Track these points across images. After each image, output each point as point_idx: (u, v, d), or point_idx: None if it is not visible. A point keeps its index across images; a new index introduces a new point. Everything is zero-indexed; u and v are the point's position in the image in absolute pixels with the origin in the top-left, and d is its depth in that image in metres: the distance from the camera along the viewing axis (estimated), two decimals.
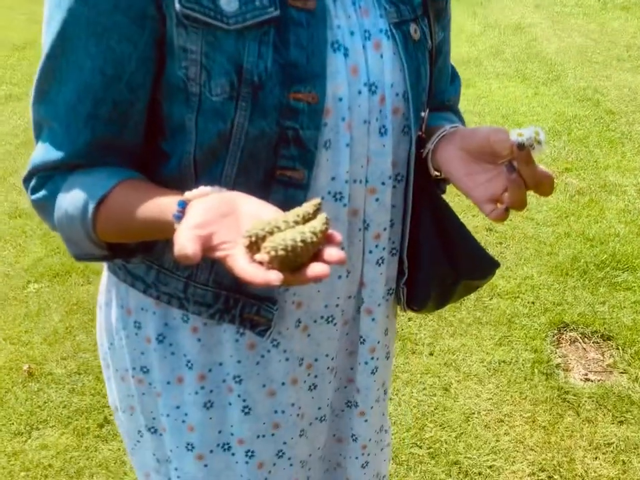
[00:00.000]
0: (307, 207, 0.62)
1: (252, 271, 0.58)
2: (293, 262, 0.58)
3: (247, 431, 0.99)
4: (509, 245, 2.95)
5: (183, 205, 0.69)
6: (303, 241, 0.57)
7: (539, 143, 0.77)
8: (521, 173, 0.77)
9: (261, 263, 0.58)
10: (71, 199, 0.78)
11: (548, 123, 4.04)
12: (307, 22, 0.76)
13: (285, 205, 0.70)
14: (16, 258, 2.94)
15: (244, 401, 0.97)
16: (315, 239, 0.58)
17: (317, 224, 0.59)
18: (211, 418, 0.98)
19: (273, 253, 0.57)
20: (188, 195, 0.69)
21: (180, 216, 0.68)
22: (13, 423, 2.10)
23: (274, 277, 0.57)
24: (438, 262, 0.99)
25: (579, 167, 3.53)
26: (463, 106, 3.44)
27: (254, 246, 0.59)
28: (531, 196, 0.80)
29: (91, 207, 0.76)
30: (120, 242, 0.84)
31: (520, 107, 4.28)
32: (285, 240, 0.57)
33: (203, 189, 0.70)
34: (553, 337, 2.44)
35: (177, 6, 0.72)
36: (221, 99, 0.76)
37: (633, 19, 5.96)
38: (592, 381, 2.25)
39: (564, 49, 5.31)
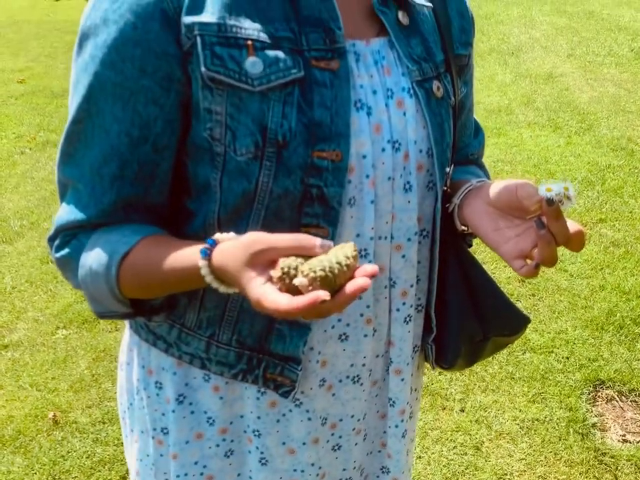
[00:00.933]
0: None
1: (288, 300, 0.59)
2: (332, 284, 0.59)
3: None
4: (542, 297, 2.88)
5: (213, 243, 0.69)
6: (339, 263, 0.59)
7: (569, 198, 0.74)
8: (550, 229, 0.75)
9: (298, 292, 0.59)
10: (95, 256, 0.78)
11: (581, 172, 4.00)
12: (330, 82, 0.76)
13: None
14: (46, 303, 2.95)
15: (262, 453, 0.95)
16: (349, 262, 0.60)
17: (347, 249, 0.61)
18: (230, 464, 0.97)
19: (312, 274, 0.58)
20: (218, 235, 0.70)
21: (207, 252, 0.69)
22: (35, 473, 2.08)
23: (322, 293, 0.58)
24: (466, 318, 0.96)
25: (613, 218, 3.47)
26: (494, 154, 3.45)
27: (286, 277, 0.60)
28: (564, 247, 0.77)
29: (115, 263, 0.77)
30: (143, 298, 0.83)
31: (552, 157, 4.24)
32: (322, 262, 0.59)
33: (232, 234, 0.71)
34: (589, 394, 2.36)
35: (203, 69, 0.73)
36: (245, 158, 0.76)
37: None
38: (630, 442, 2.16)
39: (596, 98, 5.28)
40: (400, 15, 0.84)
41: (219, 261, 0.68)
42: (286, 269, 0.60)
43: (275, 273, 0.61)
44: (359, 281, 0.60)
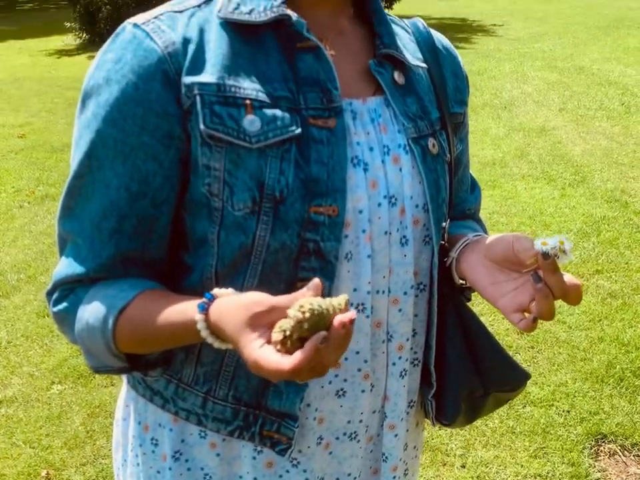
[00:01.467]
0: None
1: (290, 359, 0.60)
2: (324, 325, 0.61)
3: None
4: (541, 349, 2.87)
5: (211, 297, 0.70)
6: (332, 305, 0.61)
7: (564, 252, 0.75)
8: (547, 283, 0.76)
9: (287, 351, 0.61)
10: (92, 310, 0.79)
11: (576, 224, 4.03)
12: (327, 139, 0.78)
13: None
14: (42, 358, 2.93)
15: None
16: (341, 307, 0.62)
17: (340, 298, 0.63)
18: None
19: (302, 313, 0.60)
20: (216, 290, 0.71)
21: (205, 307, 0.69)
22: None
23: (322, 333, 0.59)
24: (466, 373, 0.96)
25: (610, 269, 3.48)
26: (490, 206, 3.50)
27: (287, 340, 0.61)
28: None
29: (112, 317, 0.77)
30: (139, 353, 0.83)
31: (547, 208, 4.28)
32: (312, 304, 0.60)
33: (230, 289, 0.71)
34: (591, 448, 2.32)
35: (202, 127, 0.74)
36: (242, 213, 0.77)
37: None
38: None
39: (589, 151, 5.36)
40: (396, 75, 0.87)
41: (217, 317, 0.68)
42: (288, 332, 0.61)
43: (276, 335, 0.61)
44: (347, 314, 0.61)
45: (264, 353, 0.61)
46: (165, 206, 0.80)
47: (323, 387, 0.87)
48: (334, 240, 0.79)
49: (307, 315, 0.60)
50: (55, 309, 0.82)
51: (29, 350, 2.99)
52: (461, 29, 12.31)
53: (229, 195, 0.76)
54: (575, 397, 2.57)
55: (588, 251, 3.67)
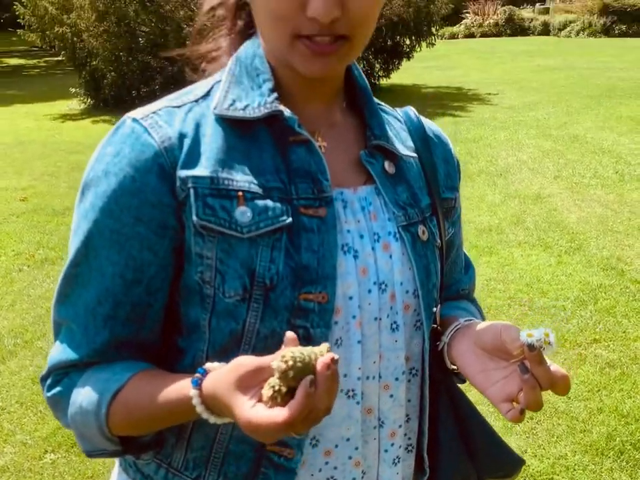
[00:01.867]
0: None
1: (283, 411, 0.62)
2: (308, 373, 0.63)
3: None
4: (540, 420, 2.85)
5: (203, 372, 0.72)
6: (310, 355, 0.64)
7: (550, 343, 0.77)
8: (534, 374, 0.77)
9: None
10: (86, 394, 0.80)
11: (573, 292, 4.05)
12: (317, 228, 0.81)
13: None
14: (35, 426, 2.90)
15: None
16: (323, 353, 0.64)
17: (322, 347, 0.66)
18: None
19: (287, 362, 0.62)
20: (208, 365, 0.73)
21: (198, 382, 0.71)
22: None
23: (309, 377, 0.62)
24: (459, 460, 0.96)
25: (608, 338, 3.48)
26: (487, 273, 3.51)
27: (277, 395, 0.63)
28: (561, 367, 0.78)
29: (105, 401, 0.78)
30: (133, 435, 0.84)
31: (544, 276, 4.30)
32: (293, 352, 0.63)
33: (222, 363, 0.73)
34: None
35: (195, 218, 0.77)
36: (233, 300, 0.79)
37: None
38: None
39: (584, 218, 5.43)
40: (386, 164, 0.90)
41: (209, 389, 0.70)
42: (276, 386, 0.62)
43: (266, 392, 0.63)
44: (327, 355, 0.64)
45: (256, 412, 0.63)
46: (159, 293, 0.82)
47: (312, 474, 0.87)
48: (324, 326, 0.81)
49: (290, 363, 0.62)
50: (49, 394, 0.84)
51: (23, 417, 2.96)
52: (456, 98, 12.59)
53: (220, 283, 0.79)
54: (574, 470, 2.53)
55: (585, 320, 3.68)
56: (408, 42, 13.44)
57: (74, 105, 13.29)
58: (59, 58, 15.57)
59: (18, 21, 13.13)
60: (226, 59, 0.90)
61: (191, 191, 0.78)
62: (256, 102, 0.82)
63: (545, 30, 31.15)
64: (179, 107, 0.84)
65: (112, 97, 12.66)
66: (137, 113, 0.83)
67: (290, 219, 0.79)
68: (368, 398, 0.87)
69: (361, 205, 0.87)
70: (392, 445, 0.92)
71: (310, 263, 0.79)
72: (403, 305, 0.88)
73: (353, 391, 0.85)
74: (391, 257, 0.86)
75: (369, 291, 0.84)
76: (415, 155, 0.95)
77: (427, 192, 0.94)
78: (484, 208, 5.79)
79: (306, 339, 0.80)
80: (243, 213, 0.78)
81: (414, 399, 0.94)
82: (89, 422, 0.79)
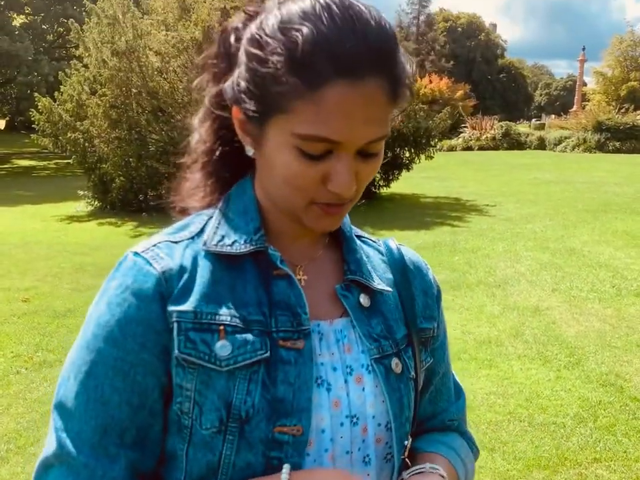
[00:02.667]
0: None
1: None
2: None
3: None
4: None
5: None
6: None
7: None
8: None
9: None
10: None
11: (572, 408, 4.02)
12: (295, 360, 0.85)
13: None
14: None
15: None
16: None
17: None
18: None
19: None
20: None
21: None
22: None
23: None
24: None
25: (608, 458, 3.44)
26: (486, 387, 3.52)
27: None
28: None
29: None
30: None
31: (543, 391, 4.29)
32: None
33: None
34: None
35: (176, 352, 0.82)
36: (209, 432, 0.82)
37: None
38: None
39: (583, 332, 5.45)
40: (362, 297, 0.94)
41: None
42: None
43: None
44: None
45: None
46: (159, 415, 0.85)
47: None
48: (297, 457, 0.83)
49: None
50: None
51: None
52: (454, 208, 12.88)
53: (197, 414, 0.82)
54: None
55: (585, 437, 3.65)
56: (407, 154, 13.91)
57: (81, 206, 13.59)
58: (69, 161, 16.05)
59: (32, 125, 13.62)
60: (201, 195, 0.98)
61: (175, 324, 0.82)
62: (243, 239, 0.89)
63: (541, 144, 32.19)
64: (177, 242, 0.90)
65: (119, 201, 12.98)
66: (138, 247, 0.89)
67: (268, 353, 0.84)
68: None
69: (336, 338, 0.91)
70: None
71: (286, 396, 0.83)
72: (375, 438, 0.90)
73: None
74: (363, 389, 0.89)
75: (341, 424, 0.87)
76: (390, 289, 0.98)
77: (404, 323, 0.97)
78: (483, 319, 5.83)
79: (279, 470, 0.82)
80: (222, 347, 0.82)
81: None
82: None
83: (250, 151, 0.88)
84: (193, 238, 0.91)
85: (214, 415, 0.82)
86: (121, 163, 12.44)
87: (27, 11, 35.36)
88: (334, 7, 0.77)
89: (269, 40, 0.79)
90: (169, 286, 0.84)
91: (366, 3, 0.80)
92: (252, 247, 0.88)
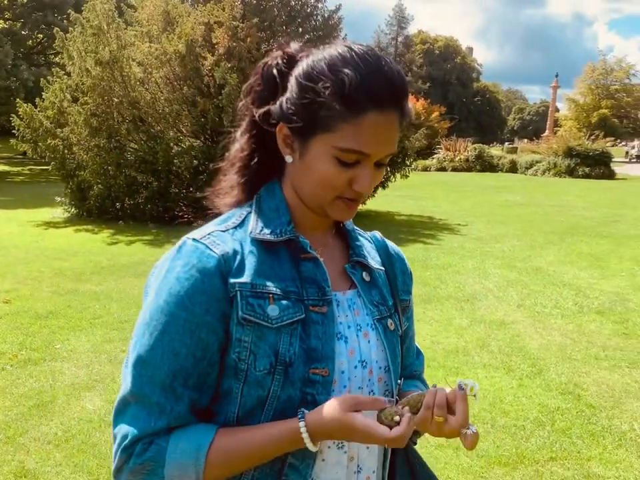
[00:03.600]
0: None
1: (395, 430, 1.02)
2: (416, 409, 1.06)
3: None
4: None
5: (302, 414, 1.04)
6: (413, 398, 1.08)
7: (474, 396, 1.09)
8: (455, 409, 1.07)
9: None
10: (182, 451, 1.02)
11: (532, 413, 4.29)
12: (321, 321, 1.12)
13: (305, 451, 1.05)
14: None
15: None
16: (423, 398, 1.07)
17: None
18: None
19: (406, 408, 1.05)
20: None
21: (303, 416, 1.03)
22: None
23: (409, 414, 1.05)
24: None
25: (563, 457, 3.70)
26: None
27: (390, 418, 1.03)
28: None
29: (203, 452, 1.02)
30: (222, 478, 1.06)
31: (506, 397, 4.56)
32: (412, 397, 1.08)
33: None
34: None
35: (240, 313, 1.06)
36: (262, 373, 1.07)
37: (607, 323, 6.50)
38: None
39: (545, 345, 5.75)
40: (364, 274, 1.24)
41: (313, 419, 1.02)
42: (389, 416, 1.02)
43: (386, 415, 1.03)
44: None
45: (372, 424, 1.00)
46: (216, 365, 1.08)
47: None
48: (325, 394, 1.09)
49: (405, 401, 1.09)
50: (140, 460, 1.02)
51: None
52: (427, 226, 13.23)
53: (252, 360, 1.07)
54: None
55: (543, 439, 3.91)
56: (380, 179, 14.21)
57: (58, 213, 13.63)
58: (44, 167, 16.01)
59: (12, 131, 13.66)
60: (237, 193, 1.23)
61: (237, 293, 1.07)
62: (278, 229, 1.15)
63: (513, 168, 32.86)
64: (224, 231, 1.14)
65: (96, 208, 13.07)
66: (195, 234, 1.13)
67: (303, 315, 1.10)
68: (351, 448, 1.15)
69: (348, 304, 1.19)
70: None
71: (316, 347, 1.09)
72: (378, 378, 1.18)
73: (341, 443, 1.13)
74: (369, 341, 1.18)
75: (355, 367, 1.14)
76: (382, 268, 1.29)
77: (390, 295, 1.27)
78: (452, 330, 6.10)
79: (312, 404, 1.07)
80: (272, 309, 1.08)
81: (381, 451, 1.23)
82: (188, 473, 1.01)
83: (289, 159, 1.13)
84: (236, 228, 1.15)
85: (266, 360, 1.06)
86: (99, 170, 12.55)
87: (6, 16, 35.23)
88: (367, 57, 1.05)
89: (321, 77, 1.05)
90: (227, 265, 1.08)
91: (386, 56, 1.08)
92: (286, 236, 1.14)
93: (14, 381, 4.61)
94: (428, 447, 3.64)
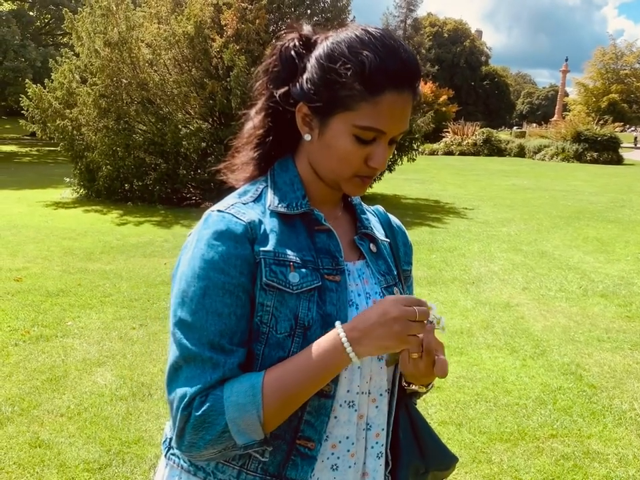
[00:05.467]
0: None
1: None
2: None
3: None
4: None
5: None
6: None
7: (443, 329, 1.16)
8: (424, 340, 1.13)
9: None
10: (238, 394, 1.08)
11: (535, 392, 4.37)
12: (335, 288, 1.19)
13: (319, 409, 1.12)
14: None
15: None
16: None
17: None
18: None
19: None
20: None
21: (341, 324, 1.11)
22: None
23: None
24: (412, 456, 1.32)
25: (564, 434, 3.78)
26: (457, 371, 3.94)
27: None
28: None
29: (258, 387, 1.08)
30: (280, 418, 1.11)
31: (509, 376, 4.64)
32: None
33: None
34: None
35: (264, 279, 1.14)
36: (283, 336, 1.14)
37: (611, 306, 6.57)
38: None
39: (549, 327, 5.82)
40: (371, 245, 1.31)
41: (351, 324, 1.09)
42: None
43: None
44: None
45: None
46: (250, 322, 1.14)
47: (323, 461, 1.19)
48: None
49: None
50: (199, 412, 1.06)
51: (21, 477, 3.16)
52: (434, 210, 13.27)
53: (274, 323, 1.14)
54: None
55: (545, 417, 3.99)
56: (390, 156, 14.23)
57: (67, 193, 13.73)
58: (51, 148, 16.07)
59: (22, 112, 13.75)
60: (251, 169, 1.29)
61: (262, 260, 1.14)
62: (294, 202, 1.22)
63: (521, 152, 32.78)
64: (245, 203, 1.21)
65: (105, 189, 13.15)
66: (219, 206, 1.19)
67: (320, 282, 1.17)
68: (361, 407, 1.22)
69: (358, 274, 1.26)
70: (377, 442, 1.26)
71: (332, 312, 1.16)
72: None
73: (352, 402, 1.20)
74: None
75: None
76: (387, 239, 1.37)
77: (394, 265, 1.35)
78: (457, 312, 6.18)
79: None
80: (293, 276, 1.15)
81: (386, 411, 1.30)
82: (248, 411, 1.07)
83: (308, 137, 1.20)
84: (254, 201, 1.22)
85: (286, 323, 1.13)
86: (108, 151, 12.61)
87: None
88: (384, 40, 1.11)
89: (342, 58, 1.11)
90: (254, 233, 1.15)
91: (400, 39, 1.15)
92: (302, 209, 1.21)
93: (27, 356, 4.72)
94: (431, 424, 3.72)
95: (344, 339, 1.08)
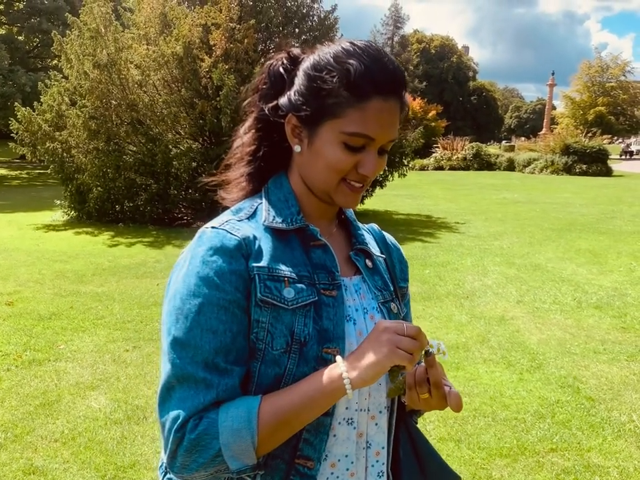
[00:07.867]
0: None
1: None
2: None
3: None
4: None
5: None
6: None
7: (444, 354, 1.13)
8: (428, 374, 1.13)
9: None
10: (233, 419, 1.06)
11: (533, 406, 4.34)
12: (332, 303, 1.17)
13: (317, 427, 1.11)
14: None
15: None
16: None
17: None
18: None
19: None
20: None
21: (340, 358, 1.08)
22: None
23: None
24: (413, 474, 1.30)
25: (563, 448, 3.75)
26: (454, 387, 3.81)
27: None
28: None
29: (254, 414, 1.06)
30: (272, 445, 1.09)
31: (506, 391, 4.61)
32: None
33: None
34: None
35: (259, 295, 1.12)
36: (279, 352, 1.12)
37: (606, 317, 6.56)
38: None
39: (545, 340, 5.80)
40: (367, 261, 1.31)
41: (350, 357, 1.07)
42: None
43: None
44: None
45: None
46: (247, 340, 1.12)
47: None
48: None
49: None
50: (194, 435, 1.04)
51: None
52: (426, 225, 13.28)
53: (270, 340, 1.12)
54: None
55: (544, 431, 3.96)
56: (381, 172, 14.26)
57: (57, 216, 13.67)
58: (41, 171, 16.04)
59: (11, 135, 13.71)
60: (244, 185, 1.28)
61: (256, 276, 1.12)
62: (289, 218, 1.21)
63: (510, 166, 32.96)
64: (240, 220, 1.20)
65: (96, 211, 13.10)
66: (213, 223, 1.18)
67: (316, 297, 1.16)
68: (360, 425, 1.20)
69: (354, 289, 1.25)
70: (377, 461, 1.23)
71: (328, 327, 1.15)
72: None
73: (351, 419, 1.18)
74: (375, 323, 1.20)
75: None
76: (383, 255, 1.36)
77: (391, 281, 1.34)
78: (451, 327, 6.16)
79: None
80: (288, 292, 1.13)
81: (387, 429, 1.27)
82: (242, 436, 1.05)
83: (297, 149, 1.19)
84: (249, 218, 1.21)
85: (282, 340, 1.12)
86: (98, 173, 12.58)
87: (2, 20, 35.29)
88: (369, 50, 1.12)
89: (328, 67, 1.12)
90: (248, 248, 1.14)
91: (385, 50, 1.16)
92: (297, 225, 1.20)
93: (19, 381, 4.66)
94: (430, 441, 3.69)
95: (340, 363, 1.07)
